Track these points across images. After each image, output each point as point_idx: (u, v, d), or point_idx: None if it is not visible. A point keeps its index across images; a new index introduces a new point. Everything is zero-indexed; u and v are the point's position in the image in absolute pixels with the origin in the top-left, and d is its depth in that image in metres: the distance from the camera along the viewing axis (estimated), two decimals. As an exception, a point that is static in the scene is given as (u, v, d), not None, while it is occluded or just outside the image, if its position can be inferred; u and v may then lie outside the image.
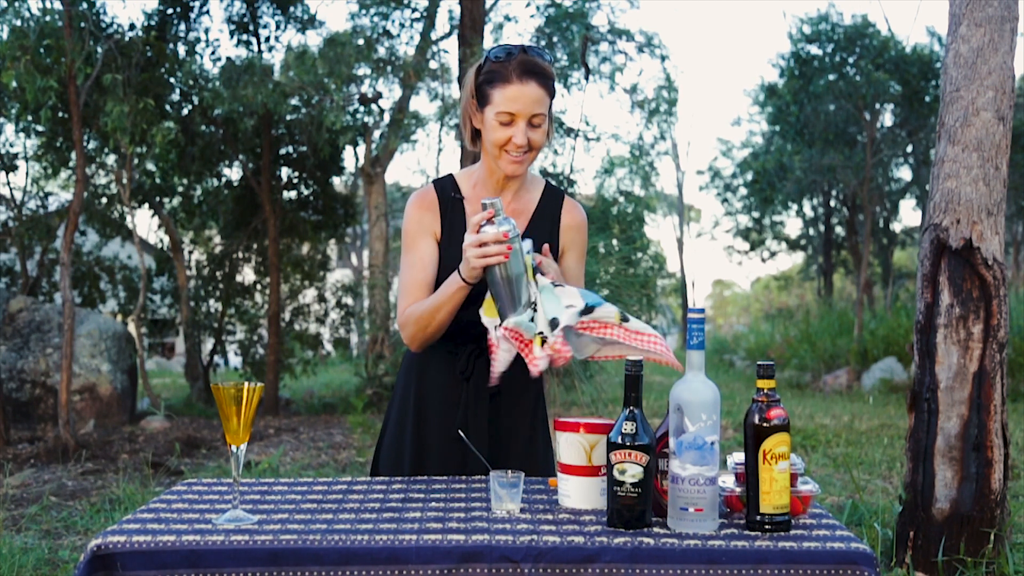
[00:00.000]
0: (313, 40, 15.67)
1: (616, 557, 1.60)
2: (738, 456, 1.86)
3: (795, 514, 1.80)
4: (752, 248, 26.25)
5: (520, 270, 2.03)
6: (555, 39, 11.88)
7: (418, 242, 2.27)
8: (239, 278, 12.08)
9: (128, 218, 11.01)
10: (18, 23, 7.27)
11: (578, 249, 2.34)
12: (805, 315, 18.60)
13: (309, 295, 12.82)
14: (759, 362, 1.75)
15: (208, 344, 12.25)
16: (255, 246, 11.83)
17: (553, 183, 2.40)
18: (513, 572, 1.60)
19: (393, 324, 10.95)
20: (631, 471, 1.71)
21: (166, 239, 11.74)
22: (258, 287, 12.09)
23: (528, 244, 2.08)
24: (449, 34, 12.12)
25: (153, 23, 9.94)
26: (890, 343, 13.03)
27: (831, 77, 16.13)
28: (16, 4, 7.32)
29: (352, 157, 15.56)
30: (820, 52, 16.58)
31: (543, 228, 2.30)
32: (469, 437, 2.23)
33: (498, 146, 2.18)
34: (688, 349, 1.75)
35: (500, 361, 2.11)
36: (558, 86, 14.30)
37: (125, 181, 9.58)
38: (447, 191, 2.30)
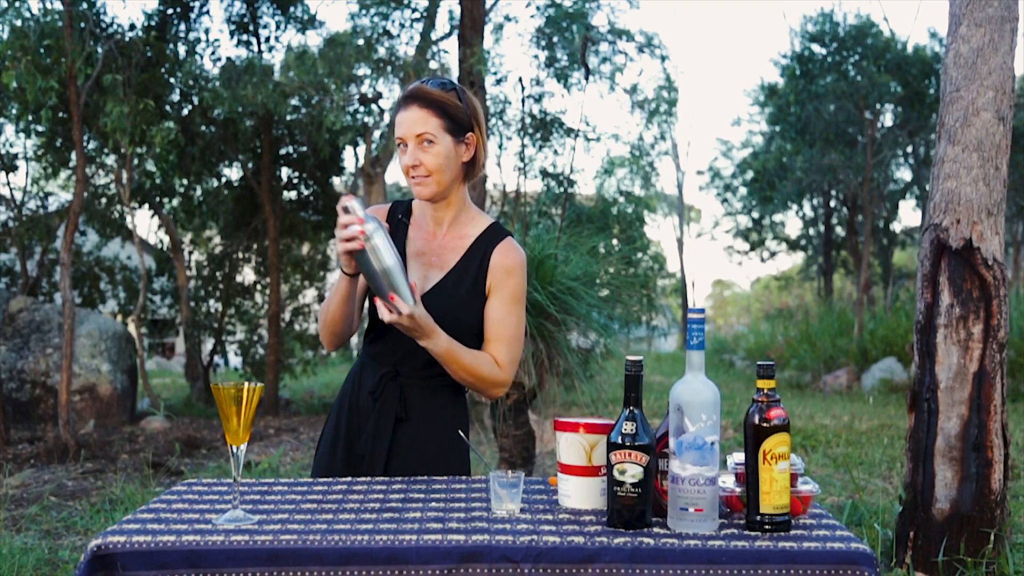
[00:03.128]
0: (313, 40, 15.70)
1: (616, 557, 1.60)
2: (738, 456, 1.86)
3: (795, 514, 1.80)
4: (752, 248, 26.26)
5: (392, 263, 2.06)
6: (555, 39, 11.88)
7: None
8: (239, 278, 12.08)
9: (128, 218, 11.01)
10: (18, 23, 7.27)
11: (506, 292, 2.29)
12: (805, 315, 18.60)
13: (309, 295, 12.83)
14: (759, 362, 1.75)
15: (208, 344, 12.25)
16: (255, 246, 11.83)
17: (501, 224, 2.40)
18: (513, 572, 1.60)
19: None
20: (631, 471, 1.71)
21: (166, 239, 11.74)
22: (258, 287, 12.09)
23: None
24: (449, 34, 12.12)
25: (153, 23, 9.94)
26: (890, 343, 13.03)
27: (832, 77, 16.13)
28: (16, 4, 7.32)
29: (352, 157, 15.58)
30: (822, 51, 16.59)
31: (471, 265, 2.29)
32: (368, 456, 2.28)
33: (404, 174, 2.30)
34: (688, 349, 1.75)
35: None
36: (558, 86, 14.35)
37: (125, 181, 9.58)
38: (397, 212, 2.40)
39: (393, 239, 2.28)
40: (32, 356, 9.00)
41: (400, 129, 2.25)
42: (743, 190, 23.26)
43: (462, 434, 2.24)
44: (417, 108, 2.24)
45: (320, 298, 12.85)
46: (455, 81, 2.33)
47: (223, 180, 11.83)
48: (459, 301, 2.26)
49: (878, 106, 16.55)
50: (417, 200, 2.41)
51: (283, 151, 11.42)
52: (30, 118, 9.04)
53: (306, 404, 11.39)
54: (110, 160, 10.20)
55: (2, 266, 10.97)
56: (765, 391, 1.72)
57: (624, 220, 13.46)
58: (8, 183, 10.30)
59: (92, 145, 9.83)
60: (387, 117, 11.33)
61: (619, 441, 1.72)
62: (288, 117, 10.34)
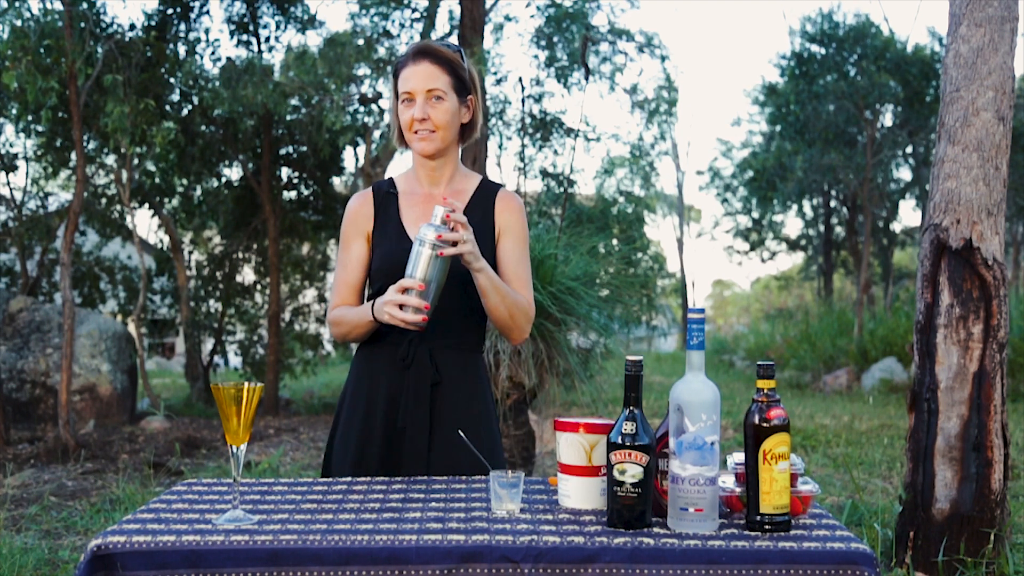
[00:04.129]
0: (313, 40, 15.70)
1: (616, 557, 1.60)
2: (738, 456, 1.86)
3: (795, 514, 1.80)
4: (752, 248, 26.25)
5: (437, 276, 2.13)
6: (555, 39, 11.88)
7: (350, 244, 2.40)
8: (239, 278, 12.08)
9: (128, 218, 11.01)
10: (18, 23, 7.27)
11: (516, 234, 2.36)
12: (805, 315, 18.59)
13: (309, 295, 12.82)
14: (759, 362, 1.75)
15: (208, 344, 12.25)
16: (255, 246, 11.83)
17: (491, 179, 2.45)
18: (513, 572, 1.60)
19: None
20: (631, 471, 1.71)
21: (166, 239, 11.74)
22: (258, 287, 12.09)
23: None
24: (449, 34, 12.12)
25: (153, 23, 9.93)
26: (890, 343, 13.03)
27: (832, 77, 16.13)
28: (16, 4, 7.32)
29: (352, 157, 15.57)
30: (822, 51, 16.58)
31: (476, 215, 2.34)
32: (410, 426, 2.27)
33: (407, 129, 2.31)
34: (688, 349, 1.75)
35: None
36: (558, 86, 14.36)
37: (125, 181, 9.58)
38: (383, 189, 2.42)
39: (385, 212, 2.37)
40: (32, 356, 9.00)
41: (409, 83, 2.27)
42: (743, 190, 23.26)
43: (462, 434, 2.23)
44: (428, 63, 2.27)
45: (321, 298, 12.84)
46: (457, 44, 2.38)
47: (223, 180, 11.83)
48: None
49: (878, 106, 16.55)
50: (400, 175, 2.46)
51: (283, 151, 11.42)
52: (30, 118, 9.04)
53: (306, 404, 11.39)
54: (110, 160, 10.20)
55: (2, 266, 10.97)
56: (765, 391, 1.72)
57: (624, 220, 13.44)
58: (8, 183, 10.30)
59: (92, 145, 9.82)
60: (387, 117, 11.33)
61: (619, 441, 1.72)
62: (288, 117, 10.34)
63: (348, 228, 2.40)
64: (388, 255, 2.30)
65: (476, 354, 2.39)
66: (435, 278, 2.12)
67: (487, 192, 2.40)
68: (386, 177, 2.50)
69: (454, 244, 2.11)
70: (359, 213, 2.39)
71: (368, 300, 2.37)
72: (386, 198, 2.39)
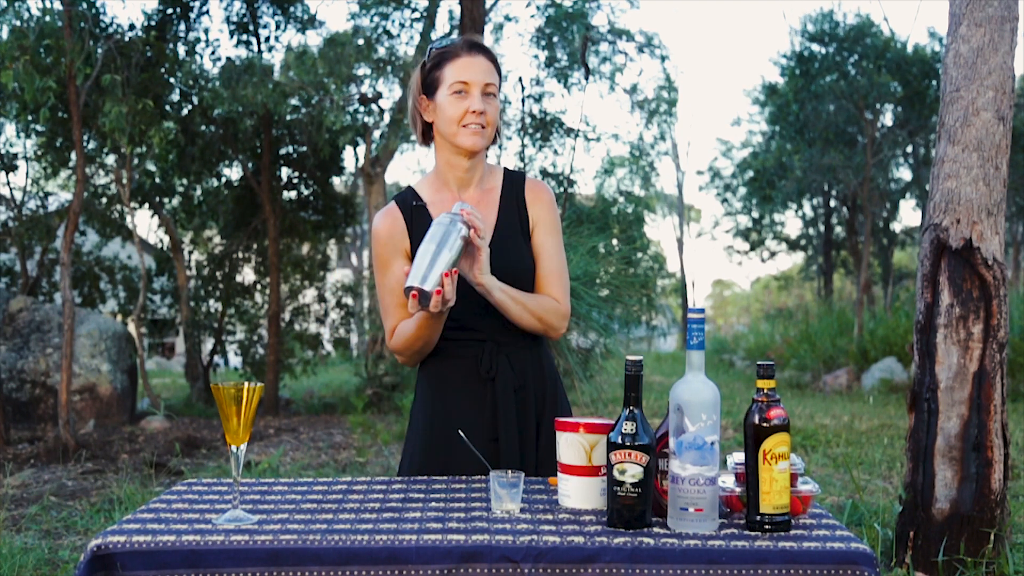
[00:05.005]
0: (313, 40, 15.69)
1: (616, 557, 1.60)
2: (738, 456, 1.86)
3: (795, 514, 1.80)
4: (752, 248, 26.25)
5: (449, 251, 2.04)
6: (555, 39, 11.88)
7: (390, 264, 2.27)
8: (239, 278, 12.08)
9: (128, 218, 11.01)
10: (18, 23, 7.27)
11: (548, 223, 2.31)
12: (805, 315, 18.59)
13: (309, 295, 12.82)
14: (759, 362, 1.75)
15: (208, 344, 12.25)
16: (255, 246, 11.83)
17: (512, 169, 2.40)
18: (513, 572, 1.60)
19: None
20: (631, 471, 1.71)
21: (166, 239, 11.74)
22: (258, 287, 12.09)
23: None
24: (449, 34, 12.12)
25: (153, 23, 9.93)
26: (890, 343, 13.02)
27: (832, 77, 16.13)
28: (16, 4, 7.32)
29: (352, 157, 15.57)
30: (822, 51, 16.59)
31: (510, 208, 2.30)
32: (501, 438, 2.22)
33: (455, 121, 2.21)
34: (688, 349, 1.75)
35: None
36: (558, 86, 14.36)
37: (125, 181, 9.58)
38: (408, 202, 2.31)
39: (419, 226, 2.26)
40: (32, 356, 9.00)
41: (467, 73, 2.19)
42: (743, 190, 23.26)
43: (462, 434, 2.22)
44: (484, 59, 2.22)
45: (320, 298, 12.84)
46: None
47: (223, 180, 11.83)
48: (518, 250, 2.25)
49: (878, 106, 16.55)
50: (419, 182, 2.38)
51: (283, 151, 11.42)
52: (30, 118, 9.04)
53: (306, 404, 11.39)
54: (110, 160, 10.20)
55: (2, 266, 10.97)
56: (765, 391, 1.72)
57: (624, 220, 13.45)
58: (8, 183, 10.30)
59: (92, 145, 9.83)
60: (387, 117, 11.33)
61: (619, 441, 1.72)
62: (288, 117, 10.34)
63: (383, 250, 2.28)
64: None
65: (537, 343, 2.33)
66: (447, 247, 2.04)
67: (515, 184, 2.33)
68: (402, 190, 2.44)
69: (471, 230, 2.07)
70: (392, 232, 2.28)
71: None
72: (415, 211, 2.28)
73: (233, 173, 11.92)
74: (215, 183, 11.77)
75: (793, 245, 26.03)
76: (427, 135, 2.32)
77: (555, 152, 12.69)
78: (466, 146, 2.22)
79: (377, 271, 2.31)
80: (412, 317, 2.20)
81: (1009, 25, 3.80)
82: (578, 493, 1.88)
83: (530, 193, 2.32)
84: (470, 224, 2.06)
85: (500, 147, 12.31)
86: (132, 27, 9.59)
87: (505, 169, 2.37)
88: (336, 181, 13.25)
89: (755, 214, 24.44)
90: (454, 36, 2.27)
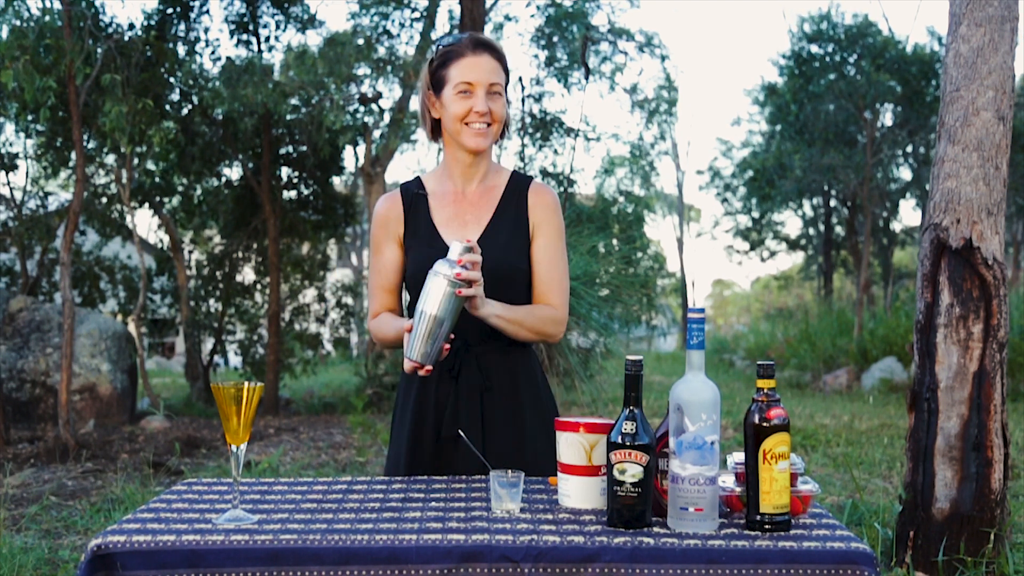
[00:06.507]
0: (313, 40, 15.71)
1: (616, 557, 1.60)
2: (738, 456, 1.86)
3: (795, 514, 1.80)
4: (752, 248, 26.26)
5: (451, 314, 2.04)
6: (555, 39, 11.89)
7: (382, 248, 2.34)
8: (239, 278, 12.08)
9: (128, 218, 11.01)
10: (17, 23, 7.27)
11: (550, 229, 2.30)
12: (805, 315, 18.59)
13: (309, 295, 12.82)
14: (759, 362, 1.75)
15: (208, 344, 12.25)
16: (255, 246, 11.83)
17: (520, 171, 2.40)
18: (513, 572, 1.60)
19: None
20: (631, 471, 1.71)
21: (166, 239, 11.74)
22: (258, 287, 12.08)
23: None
24: (449, 34, 12.11)
25: (153, 23, 9.93)
26: (890, 343, 13.02)
27: (831, 77, 16.13)
28: (15, 4, 7.31)
29: (352, 157, 15.58)
30: (821, 51, 16.58)
31: (508, 208, 2.30)
32: (465, 434, 2.23)
33: (459, 120, 2.23)
34: (688, 349, 1.75)
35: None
36: (558, 86, 14.38)
37: (125, 181, 9.58)
38: (411, 190, 2.35)
39: (415, 214, 2.30)
40: (32, 356, 9.00)
41: (473, 73, 2.20)
42: (743, 190, 23.27)
43: (462, 434, 2.23)
44: (490, 57, 2.23)
45: (320, 298, 12.84)
46: None
47: (223, 180, 11.83)
48: (507, 247, 2.24)
49: (877, 106, 16.55)
50: (428, 173, 2.40)
51: (283, 151, 11.42)
52: (29, 118, 9.04)
53: (306, 404, 11.39)
54: (110, 160, 10.20)
55: (2, 266, 10.96)
56: (765, 391, 1.72)
57: (624, 220, 13.45)
58: (8, 183, 10.30)
59: (92, 145, 9.83)
60: (387, 117, 11.33)
61: (619, 441, 1.72)
62: (288, 117, 10.34)
63: (378, 232, 2.34)
64: (422, 260, 2.20)
65: (526, 353, 2.33)
66: (449, 316, 2.04)
67: (519, 186, 2.33)
68: (411, 176, 2.45)
69: (470, 284, 2.03)
70: (388, 216, 2.33)
71: (407, 308, 2.34)
72: (415, 199, 2.32)
73: (233, 173, 11.92)
74: (215, 183, 11.76)
75: (793, 245, 26.03)
76: (436, 130, 2.35)
77: (555, 152, 12.70)
78: (470, 146, 2.24)
79: (372, 251, 2.38)
80: (393, 317, 2.29)
81: (1009, 25, 3.80)
82: (578, 493, 1.88)
83: (534, 196, 2.32)
84: (463, 277, 2.03)
85: (500, 147, 12.34)
86: (132, 27, 9.59)
87: (514, 172, 2.37)
88: (336, 181, 13.25)
89: (755, 214, 24.44)
90: (461, 33, 2.26)
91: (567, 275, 2.34)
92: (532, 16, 12.60)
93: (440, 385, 2.28)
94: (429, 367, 2.07)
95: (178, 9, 10.22)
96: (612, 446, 1.73)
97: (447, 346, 2.06)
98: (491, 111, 2.21)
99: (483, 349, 2.27)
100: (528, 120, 12.13)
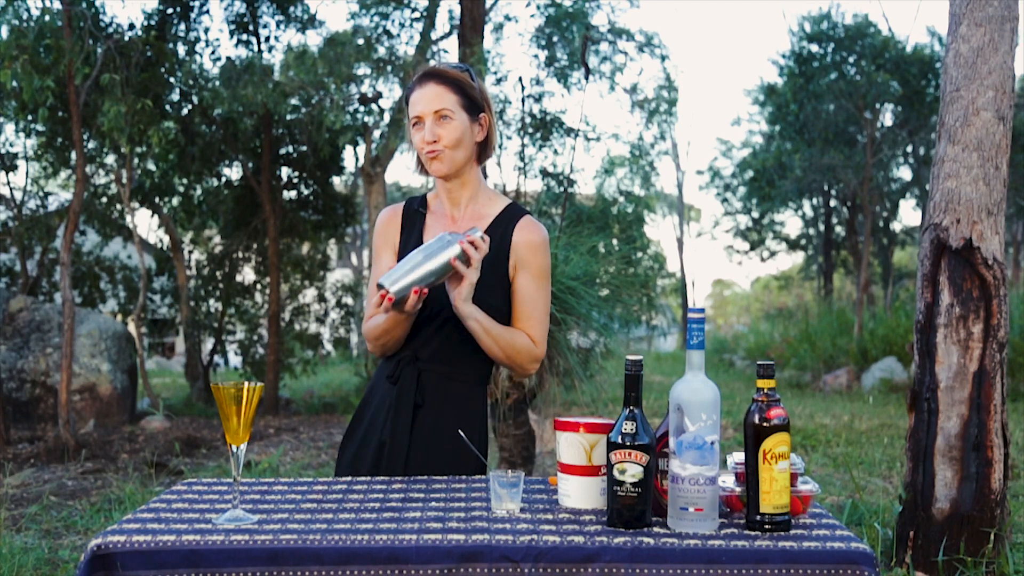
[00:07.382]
0: (313, 40, 15.70)
1: (616, 557, 1.60)
2: (738, 456, 1.86)
3: (795, 514, 1.80)
4: (752, 248, 26.26)
5: (435, 275, 2.12)
6: (555, 39, 11.88)
7: (380, 255, 2.41)
8: (239, 278, 12.08)
9: (128, 218, 11.01)
10: (17, 23, 7.27)
11: (531, 269, 2.30)
12: (805, 315, 18.59)
13: (309, 295, 12.83)
14: (759, 362, 1.75)
15: (208, 344, 12.25)
16: (255, 246, 11.83)
17: (519, 204, 2.41)
18: (513, 572, 1.60)
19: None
20: (631, 471, 1.71)
21: (166, 239, 11.74)
22: (258, 287, 12.09)
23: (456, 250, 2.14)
24: (449, 34, 12.12)
25: (153, 23, 9.93)
26: (890, 343, 13.02)
27: (831, 76, 16.13)
28: (15, 4, 7.31)
29: (352, 157, 15.57)
30: (820, 51, 16.58)
31: (493, 239, 2.30)
32: (391, 441, 2.27)
33: (419, 151, 2.31)
34: (688, 349, 1.75)
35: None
36: (558, 86, 14.36)
37: (125, 181, 9.58)
38: (413, 204, 2.43)
39: (410, 229, 2.39)
40: (32, 356, 9.00)
41: (417, 107, 2.27)
42: (743, 190, 23.27)
43: (462, 434, 2.23)
44: (434, 84, 2.27)
45: (320, 298, 12.84)
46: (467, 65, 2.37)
47: (223, 180, 11.83)
48: (481, 280, 2.23)
49: (877, 105, 16.54)
50: (431, 191, 2.46)
51: (283, 151, 11.42)
52: (29, 117, 9.04)
53: (306, 404, 11.39)
54: (110, 160, 10.21)
55: (2, 266, 10.96)
56: (765, 391, 1.72)
57: (624, 220, 13.44)
58: (8, 183, 10.31)
59: (92, 145, 9.83)
60: (387, 117, 11.33)
61: (619, 441, 1.72)
62: (288, 117, 10.34)
63: (378, 240, 2.43)
64: None
65: (473, 387, 2.34)
66: (433, 271, 2.11)
67: (508, 220, 2.34)
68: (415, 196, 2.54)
69: (468, 264, 2.11)
70: (388, 226, 2.42)
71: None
72: (414, 215, 2.40)
73: (233, 173, 11.92)
74: (215, 183, 11.77)
75: (793, 245, 26.03)
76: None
77: (555, 152, 12.68)
78: (432, 172, 2.32)
79: (372, 258, 2.46)
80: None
81: (1009, 25, 3.80)
82: (578, 493, 1.88)
83: (520, 233, 2.31)
84: (465, 250, 2.11)
85: (500, 147, 12.33)
86: (132, 27, 9.59)
87: (511, 204, 2.38)
88: (336, 181, 13.24)
89: (755, 214, 24.44)
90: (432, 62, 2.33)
91: (547, 315, 2.34)
92: (532, 16, 12.59)
93: (386, 391, 2.35)
94: (392, 297, 2.10)
95: (178, 9, 10.22)
96: (612, 446, 1.73)
97: (416, 292, 2.10)
98: (440, 138, 2.26)
99: (428, 366, 2.30)
100: (528, 120, 12.13)
